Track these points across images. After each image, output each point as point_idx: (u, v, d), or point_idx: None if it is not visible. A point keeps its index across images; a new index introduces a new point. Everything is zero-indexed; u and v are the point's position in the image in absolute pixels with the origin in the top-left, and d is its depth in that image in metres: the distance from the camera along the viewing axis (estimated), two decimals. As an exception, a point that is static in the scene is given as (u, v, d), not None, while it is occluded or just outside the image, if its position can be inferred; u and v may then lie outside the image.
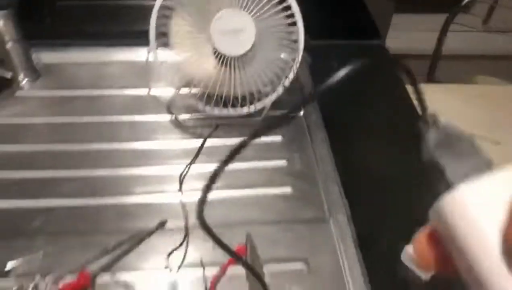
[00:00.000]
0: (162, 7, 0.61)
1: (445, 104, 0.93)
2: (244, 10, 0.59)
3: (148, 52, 0.63)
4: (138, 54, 0.77)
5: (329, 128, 0.69)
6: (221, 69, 0.61)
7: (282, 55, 0.65)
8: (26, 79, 0.73)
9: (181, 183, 0.60)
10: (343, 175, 0.62)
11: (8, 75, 0.72)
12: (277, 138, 0.67)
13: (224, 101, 0.65)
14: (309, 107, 0.72)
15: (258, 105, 0.65)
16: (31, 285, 0.48)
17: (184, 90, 0.64)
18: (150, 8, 0.62)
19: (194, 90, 0.64)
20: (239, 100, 0.64)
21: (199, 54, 0.61)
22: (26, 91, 0.72)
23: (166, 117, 0.69)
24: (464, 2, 1.26)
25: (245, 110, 0.64)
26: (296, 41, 0.64)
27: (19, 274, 0.50)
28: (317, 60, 0.80)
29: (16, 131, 0.66)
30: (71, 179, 0.61)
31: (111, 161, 0.63)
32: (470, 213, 0.21)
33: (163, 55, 0.63)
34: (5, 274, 0.50)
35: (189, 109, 0.68)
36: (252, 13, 0.59)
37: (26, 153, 0.64)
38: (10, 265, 0.50)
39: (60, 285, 0.48)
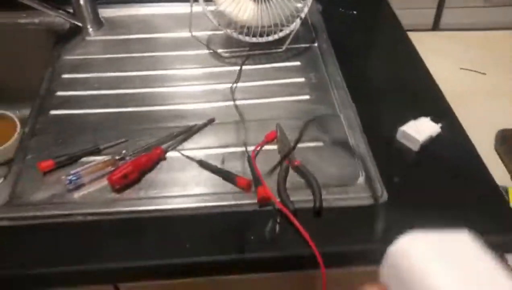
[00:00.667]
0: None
1: (447, 49, 1.08)
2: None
3: (191, 2, 0.80)
4: (180, 8, 0.95)
5: (338, 53, 0.85)
6: (253, 6, 0.78)
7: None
8: (92, 28, 0.91)
9: (232, 93, 0.77)
10: (350, 85, 0.78)
11: (79, 23, 0.90)
12: (296, 63, 0.84)
13: (253, 33, 0.81)
14: (321, 39, 0.89)
15: (281, 34, 0.81)
16: (119, 157, 0.65)
17: (226, 30, 0.81)
18: None
19: (229, 24, 0.81)
20: (265, 32, 0.81)
21: None
22: (92, 37, 0.90)
23: (206, 52, 0.86)
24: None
25: (269, 38, 0.81)
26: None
27: (108, 153, 0.67)
28: (327, 8, 0.97)
29: (87, 64, 0.84)
30: (135, 94, 0.78)
31: (165, 82, 0.80)
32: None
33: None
34: (98, 152, 0.67)
35: (224, 45, 0.86)
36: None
37: (95, 78, 0.81)
38: (102, 146, 0.68)
39: (141, 155, 0.65)
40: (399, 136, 0.69)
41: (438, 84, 0.79)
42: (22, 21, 0.93)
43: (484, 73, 1.01)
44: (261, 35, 0.81)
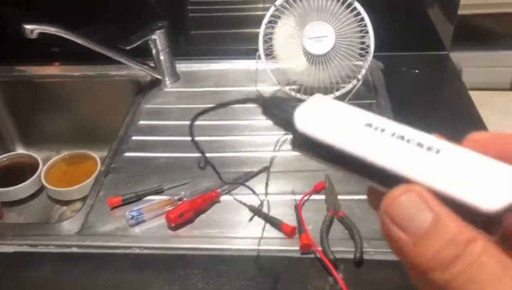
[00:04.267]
0: (266, 33, 0.86)
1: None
2: (326, 22, 0.82)
3: (257, 58, 0.87)
4: (248, 64, 1.03)
5: (396, 111, 0.87)
6: (310, 66, 0.84)
7: (356, 59, 0.86)
8: (169, 81, 1.01)
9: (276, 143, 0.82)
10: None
11: (159, 76, 1.01)
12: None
13: (311, 92, 0.86)
14: (380, 97, 0.92)
15: (337, 93, 0.86)
16: (178, 197, 0.72)
17: (284, 87, 0.87)
18: (256, 34, 0.87)
19: (290, 84, 0.87)
20: (323, 92, 0.85)
21: (294, 55, 0.84)
22: (169, 88, 1.00)
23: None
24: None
25: (330, 96, 0.86)
26: (368, 46, 0.85)
27: (171, 193, 0.74)
28: (389, 66, 1.00)
29: (162, 112, 0.94)
30: (202, 141, 0.84)
31: (230, 131, 0.87)
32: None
33: (268, 63, 0.87)
34: (162, 192, 0.74)
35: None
36: (333, 24, 0.81)
37: (172, 125, 0.90)
38: (166, 187, 0.75)
39: (198, 196, 0.71)
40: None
41: None
42: (112, 73, 1.06)
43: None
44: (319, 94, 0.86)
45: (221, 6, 1.08)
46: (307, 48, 0.82)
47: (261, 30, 0.85)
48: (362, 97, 0.92)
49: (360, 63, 0.86)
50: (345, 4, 0.82)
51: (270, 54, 0.87)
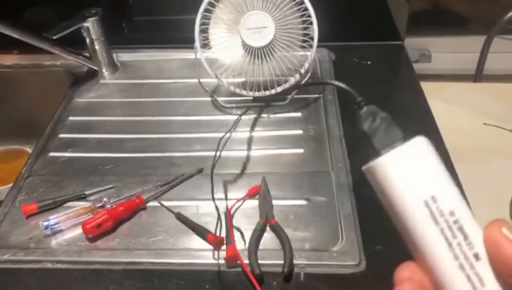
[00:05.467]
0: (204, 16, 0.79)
1: (463, 99, 1.02)
2: (266, 12, 0.76)
3: (195, 50, 0.81)
4: (190, 54, 0.96)
5: (343, 105, 0.82)
6: (250, 58, 0.78)
7: (301, 51, 0.80)
8: (107, 72, 0.94)
9: (218, 144, 0.76)
10: (348, 141, 0.75)
11: (95, 67, 0.94)
12: (297, 115, 0.82)
13: (254, 86, 0.81)
14: (328, 90, 0.87)
15: (279, 88, 0.80)
16: (100, 204, 0.66)
17: (223, 78, 0.81)
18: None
19: (231, 77, 0.81)
20: (267, 85, 0.80)
21: (232, 48, 0.78)
22: (107, 80, 0.94)
23: (209, 100, 0.87)
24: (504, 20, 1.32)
25: (269, 92, 0.80)
26: (312, 38, 0.79)
27: (93, 199, 0.68)
28: (340, 56, 0.95)
29: (99, 107, 0.87)
30: (135, 139, 0.79)
31: (166, 128, 0.81)
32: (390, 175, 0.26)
33: (206, 53, 0.81)
34: (84, 198, 0.68)
35: (227, 94, 0.85)
36: (272, 14, 0.76)
37: (104, 121, 0.83)
38: (88, 192, 0.69)
39: (121, 203, 0.66)
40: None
41: (457, 138, 0.75)
42: (46, 63, 0.98)
43: (511, 130, 0.94)
44: (262, 89, 0.80)
45: None
46: (244, 40, 0.76)
47: (197, 20, 0.79)
48: (309, 91, 0.87)
49: (308, 53, 0.80)
50: (285, -9, 0.76)
51: (208, 44, 0.81)
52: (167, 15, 1.02)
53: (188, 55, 0.97)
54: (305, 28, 0.79)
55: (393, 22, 0.99)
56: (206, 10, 0.78)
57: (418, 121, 0.80)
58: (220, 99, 0.86)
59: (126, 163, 0.75)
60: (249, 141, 0.78)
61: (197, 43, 0.80)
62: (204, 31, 0.81)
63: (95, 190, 0.69)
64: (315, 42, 0.78)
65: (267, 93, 0.80)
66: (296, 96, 0.84)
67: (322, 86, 0.88)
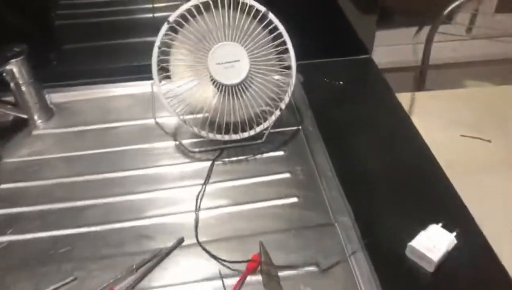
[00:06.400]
0: (162, 43, 0.66)
1: (435, 109, 0.98)
2: (237, 42, 0.64)
3: (152, 85, 0.68)
4: (141, 88, 0.82)
5: (326, 137, 0.73)
6: (220, 97, 0.66)
7: (276, 78, 0.69)
8: (40, 119, 0.78)
9: (196, 202, 0.64)
10: (344, 180, 0.66)
11: (24, 115, 0.77)
12: (279, 154, 0.72)
13: (226, 127, 0.69)
14: (306, 120, 0.77)
15: (258, 129, 0.69)
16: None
17: (187, 118, 0.69)
18: (150, 44, 0.67)
19: (197, 118, 0.68)
20: (240, 125, 0.68)
21: (199, 84, 0.66)
22: (41, 130, 0.77)
23: (172, 144, 0.74)
24: (446, 12, 1.31)
25: (245, 134, 0.69)
26: (289, 67, 0.69)
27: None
28: (309, 77, 0.86)
29: (35, 168, 0.71)
30: (89, 207, 0.65)
31: (125, 187, 0.67)
32: None
33: (166, 87, 0.68)
34: (40, 299, 0.54)
35: (193, 135, 0.73)
36: (245, 45, 0.64)
37: (45, 186, 0.68)
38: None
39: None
40: (408, 252, 0.57)
41: (436, 155, 0.68)
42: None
43: (489, 140, 0.90)
44: (236, 130, 0.69)
45: (99, 9, 0.85)
46: (215, 77, 0.64)
47: (154, 55, 0.65)
48: (286, 124, 0.76)
49: (280, 80, 0.70)
50: (257, 18, 0.65)
51: (168, 77, 0.68)
52: (107, 39, 0.86)
53: (138, 89, 0.83)
54: (278, 54, 0.68)
55: (358, 35, 0.91)
56: (164, 43, 0.65)
57: (408, 143, 0.73)
58: (184, 142, 0.73)
59: (84, 241, 0.61)
60: (231, 194, 0.66)
61: (155, 74, 0.67)
62: (161, 61, 0.68)
63: (52, 287, 0.55)
64: (293, 72, 0.68)
65: (244, 135, 0.69)
66: (271, 130, 0.74)
67: (299, 115, 0.78)
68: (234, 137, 0.68)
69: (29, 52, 0.73)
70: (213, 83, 0.66)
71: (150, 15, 0.85)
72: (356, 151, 0.72)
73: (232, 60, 0.64)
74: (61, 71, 0.86)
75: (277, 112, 0.68)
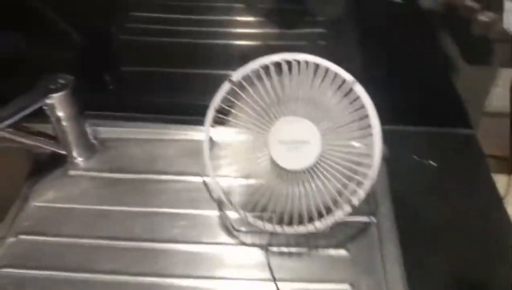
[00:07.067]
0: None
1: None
2: (309, 119, 0.51)
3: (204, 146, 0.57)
4: (196, 134, 0.72)
5: (405, 239, 0.58)
6: (280, 181, 0.54)
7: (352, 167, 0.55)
8: (80, 157, 0.70)
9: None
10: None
11: (63, 151, 0.69)
12: (340, 253, 0.58)
13: (279, 214, 0.56)
14: (382, 211, 0.63)
15: (318, 224, 0.55)
16: None
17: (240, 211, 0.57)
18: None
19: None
20: (297, 214, 0.55)
21: (257, 169, 0.54)
22: (79, 170, 0.69)
23: (216, 214, 0.63)
24: None
25: (302, 229, 0.55)
26: (371, 154, 0.55)
27: None
28: (394, 150, 0.70)
29: (59, 217, 0.62)
30: (107, 284, 0.55)
31: (157, 265, 0.57)
32: None
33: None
34: None
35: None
36: (320, 124, 0.51)
37: (63, 246, 0.59)
38: None
39: None
40: None
41: None
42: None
43: None
44: (289, 220, 0.56)
45: (173, 27, 0.75)
46: (275, 159, 0.52)
47: (208, 118, 0.54)
48: (355, 211, 0.62)
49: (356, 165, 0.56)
50: (340, 88, 0.51)
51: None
52: (174, 66, 0.76)
53: (192, 135, 0.73)
54: (362, 139, 0.54)
55: (464, 104, 0.75)
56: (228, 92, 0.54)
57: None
58: (232, 217, 0.62)
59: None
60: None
61: (207, 138, 0.56)
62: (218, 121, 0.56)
63: None
64: (376, 163, 0.54)
65: (300, 230, 0.56)
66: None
67: (374, 202, 0.64)
68: (288, 230, 0.55)
69: (75, 87, 0.64)
70: (273, 165, 0.53)
71: (233, 41, 0.74)
72: (446, 266, 0.56)
73: (300, 140, 0.51)
74: (113, 99, 0.78)
75: (347, 208, 0.54)
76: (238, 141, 0.55)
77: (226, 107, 0.55)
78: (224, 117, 0.56)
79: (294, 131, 0.51)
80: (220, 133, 0.57)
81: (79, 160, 0.70)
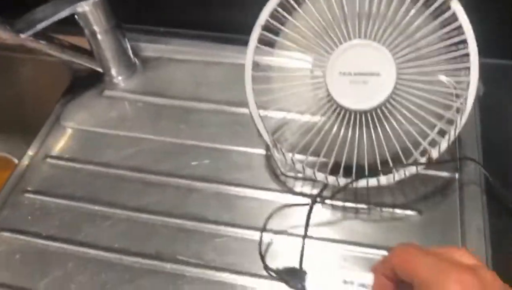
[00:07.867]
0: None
1: None
2: (381, 44, 0.39)
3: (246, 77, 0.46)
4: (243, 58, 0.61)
5: (494, 208, 0.46)
6: (340, 124, 0.42)
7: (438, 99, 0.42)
8: (119, 76, 0.62)
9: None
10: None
11: (99, 69, 0.61)
12: (410, 214, 0.47)
13: (336, 166, 0.45)
14: (468, 167, 0.50)
15: (383, 179, 0.44)
16: None
17: (287, 156, 0.46)
18: None
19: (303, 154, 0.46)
20: (365, 165, 0.44)
21: (309, 107, 0.42)
22: (115, 91, 0.62)
23: (263, 154, 0.53)
24: None
25: (374, 182, 0.44)
26: (465, 87, 0.41)
27: None
28: (490, 90, 0.56)
29: (92, 144, 0.56)
30: (137, 221, 0.49)
31: (201, 206, 0.50)
32: None
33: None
34: None
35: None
36: (395, 51, 0.38)
37: (94, 173, 0.53)
38: None
39: None
40: None
41: None
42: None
43: None
44: (355, 173, 0.45)
45: None
46: (334, 96, 0.40)
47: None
48: (431, 165, 0.50)
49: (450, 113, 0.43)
50: (429, 5, 0.38)
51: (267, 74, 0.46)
52: None
53: (241, 59, 0.62)
54: (455, 71, 0.41)
55: None
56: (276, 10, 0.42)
57: None
58: (279, 159, 0.52)
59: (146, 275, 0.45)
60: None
61: (248, 63, 0.46)
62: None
63: None
64: (468, 106, 0.41)
65: (373, 182, 0.45)
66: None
67: (458, 150, 0.51)
68: (343, 182, 0.45)
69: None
70: (331, 104, 0.42)
71: None
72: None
73: (368, 71, 0.39)
74: (155, 15, 0.68)
75: (423, 159, 0.42)
76: (289, 68, 0.44)
77: (278, 25, 0.43)
78: (276, 38, 0.44)
79: (361, 59, 0.39)
80: (273, 59, 0.46)
81: (118, 79, 0.62)
